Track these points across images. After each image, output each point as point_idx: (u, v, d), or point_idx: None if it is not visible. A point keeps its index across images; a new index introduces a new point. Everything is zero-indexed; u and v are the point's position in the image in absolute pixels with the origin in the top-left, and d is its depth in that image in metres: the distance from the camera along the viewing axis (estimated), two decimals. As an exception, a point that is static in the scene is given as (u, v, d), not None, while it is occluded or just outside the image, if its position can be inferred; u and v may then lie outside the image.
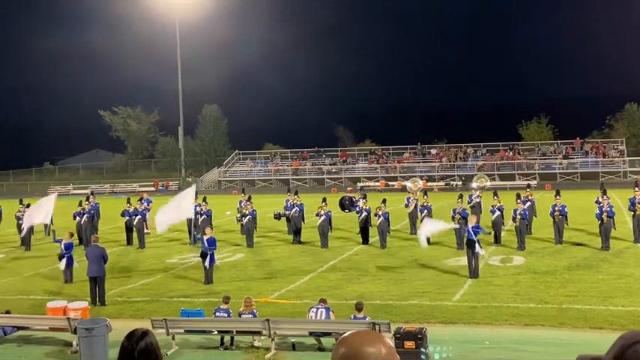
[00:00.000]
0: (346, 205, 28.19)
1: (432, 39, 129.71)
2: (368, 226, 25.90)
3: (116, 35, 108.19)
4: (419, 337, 11.95)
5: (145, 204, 29.68)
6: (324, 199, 26.50)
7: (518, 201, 24.50)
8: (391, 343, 1.96)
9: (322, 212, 25.34)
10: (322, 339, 13.11)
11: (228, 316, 13.70)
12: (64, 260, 19.89)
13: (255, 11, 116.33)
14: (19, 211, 28.94)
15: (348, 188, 56.26)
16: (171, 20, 71.92)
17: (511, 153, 63.97)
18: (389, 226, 25.34)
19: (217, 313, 13.79)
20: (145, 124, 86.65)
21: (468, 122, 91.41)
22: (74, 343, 13.28)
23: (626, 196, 26.62)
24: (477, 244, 18.72)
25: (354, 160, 69.29)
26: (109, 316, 14.32)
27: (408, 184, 34.57)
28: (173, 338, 13.49)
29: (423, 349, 11.92)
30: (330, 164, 68.14)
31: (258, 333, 13.30)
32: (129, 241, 27.84)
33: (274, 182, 66.33)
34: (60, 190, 67.46)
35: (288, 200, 28.63)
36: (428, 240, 21.77)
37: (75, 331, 12.76)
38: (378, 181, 61.40)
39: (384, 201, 25.76)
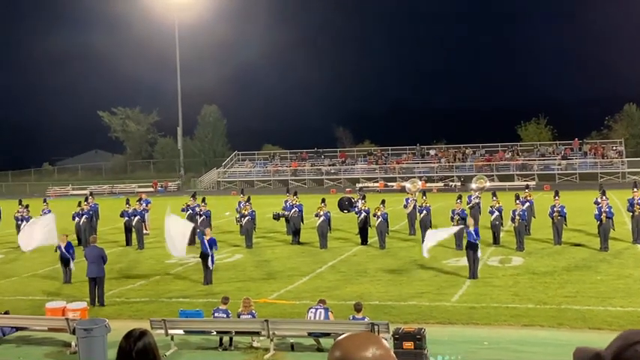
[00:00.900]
0: (345, 205, 28.17)
1: (431, 40, 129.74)
2: (367, 226, 25.90)
3: (115, 36, 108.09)
4: (418, 338, 11.95)
5: (144, 205, 29.66)
6: (323, 200, 26.49)
7: (517, 202, 24.50)
8: (387, 345, 1.96)
9: (321, 213, 25.34)
10: (321, 339, 13.11)
11: (227, 316, 13.70)
12: (71, 261, 19.93)
13: (254, 12, 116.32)
14: (18, 211, 28.92)
15: (347, 189, 56.26)
16: (171, 21, 71.91)
17: (510, 154, 64.01)
18: (388, 226, 25.33)
19: (216, 314, 13.79)
20: (143, 125, 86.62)
21: (466, 123, 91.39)
22: (73, 344, 13.27)
23: (625, 196, 26.64)
24: (478, 248, 18.73)
25: (353, 160, 69.29)
26: (108, 316, 14.32)
27: (407, 184, 34.59)
28: (172, 339, 13.49)
29: (424, 351, 11.93)
30: (329, 165, 68.15)
31: (257, 333, 13.30)
32: (128, 242, 27.82)
33: (273, 183, 66.32)
34: (59, 191, 67.54)
35: (287, 201, 28.62)
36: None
37: (74, 332, 12.76)
38: (377, 181, 61.40)
39: (383, 202, 25.75)
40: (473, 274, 18.70)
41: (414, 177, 44.12)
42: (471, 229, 19.32)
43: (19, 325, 14.75)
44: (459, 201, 24.71)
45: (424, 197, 26.91)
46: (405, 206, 28.35)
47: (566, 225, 24.63)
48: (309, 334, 13.28)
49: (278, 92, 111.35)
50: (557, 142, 67.21)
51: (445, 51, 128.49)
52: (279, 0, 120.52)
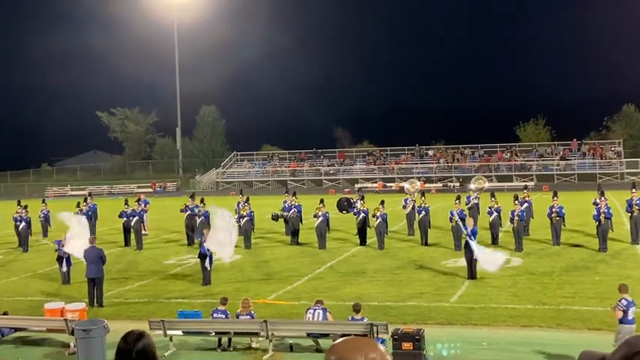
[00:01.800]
0: (344, 206, 28.15)
1: (430, 40, 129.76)
2: (366, 227, 25.90)
3: (114, 36, 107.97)
4: (417, 339, 11.96)
5: (143, 205, 29.63)
6: (322, 201, 26.48)
7: (516, 202, 24.50)
8: (383, 349, 1.96)
9: (320, 213, 25.34)
10: (320, 340, 13.11)
11: (226, 317, 13.69)
12: (63, 262, 19.89)
13: (253, 12, 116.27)
14: (17, 212, 28.88)
15: (346, 189, 56.25)
16: (170, 21, 71.96)
17: (508, 154, 64.03)
18: (387, 227, 25.33)
19: (215, 315, 13.78)
20: (142, 125, 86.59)
21: (465, 123, 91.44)
22: (72, 345, 13.26)
23: (624, 197, 26.66)
24: (471, 246, 18.69)
25: (351, 161, 69.30)
26: (107, 317, 14.31)
27: (406, 185, 34.54)
28: (171, 339, 13.48)
29: (423, 352, 11.94)
30: (328, 165, 68.16)
31: (256, 334, 13.30)
32: (126, 243, 27.80)
33: (272, 183, 66.32)
34: (58, 192, 67.52)
35: (285, 201, 28.60)
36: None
37: (72, 333, 12.74)
38: (375, 182, 61.39)
39: (382, 202, 25.75)
40: (471, 275, 18.70)
41: (413, 177, 44.07)
42: (470, 228, 19.28)
43: (18, 325, 14.74)
44: (457, 201, 24.71)
45: (423, 198, 26.91)
46: (404, 207, 28.35)
47: (564, 225, 24.63)
48: (308, 335, 13.28)
49: (277, 93, 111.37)
50: (556, 142, 67.27)
51: (444, 51, 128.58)
52: (279, 0, 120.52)
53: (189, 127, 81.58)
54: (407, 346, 11.92)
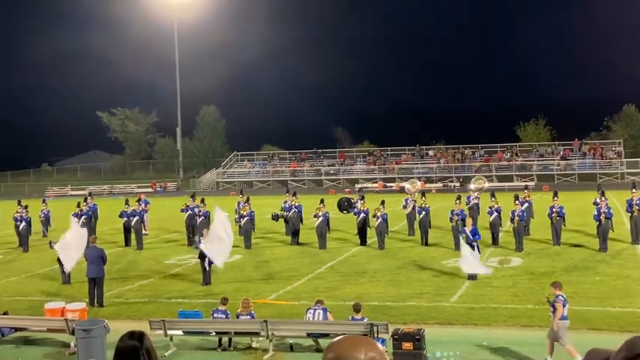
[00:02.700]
0: (344, 206, 28.16)
1: (430, 40, 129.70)
2: (366, 227, 25.91)
3: (114, 36, 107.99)
4: (417, 339, 11.96)
5: (143, 205, 29.64)
6: (322, 201, 26.48)
7: (516, 202, 24.50)
8: (382, 348, 1.97)
9: (320, 213, 25.33)
10: (320, 340, 13.11)
11: (226, 317, 13.70)
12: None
13: (253, 12, 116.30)
14: (17, 212, 28.88)
15: (346, 189, 56.25)
16: (170, 21, 71.96)
17: (509, 154, 64.03)
18: (387, 227, 25.34)
19: (215, 315, 13.79)
20: (143, 125, 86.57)
21: (466, 123, 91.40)
22: (72, 344, 13.26)
23: (624, 197, 26.66)
24: (476, 248, 18.70)
25: (352, 161, 69.28)
26: (107, 317, 14.33)
27: (406, 185, 34.58)
28: (171, 339, 13.49)
29: (423, 352, 11.94)
30: (328, 165, 68.14)
31: (256, 334, 13.31)
32: (127, 243, 27.81)
33: (272, 183, 66.30)
34: (58, 192, 67.52)
35: (286, 201, 28.60)
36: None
37: (73, 332, 12.75)
38: (376, 182, 61.37)
39: (382, 202, 25.75)
40: (471, 275, 18.68)
41: (413, 177, 44.09)
42: (468, 229, 19.31)
43: (18, 325, 14.75)
44: (458, 202, 24.72)
45: (423, 198, 26.91)
46: (405, 207, 28.35)
47: (565, 225, 24.64)
48: (308, 335, 13.28)
49: (277, 93, 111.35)
50: (556, 142, 67.24)
51: (444, 51, 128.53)
52: (279, 0, 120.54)
53: (189, 127, 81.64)
54: (407, 346, 11.93)
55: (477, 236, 19.50)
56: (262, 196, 48.80)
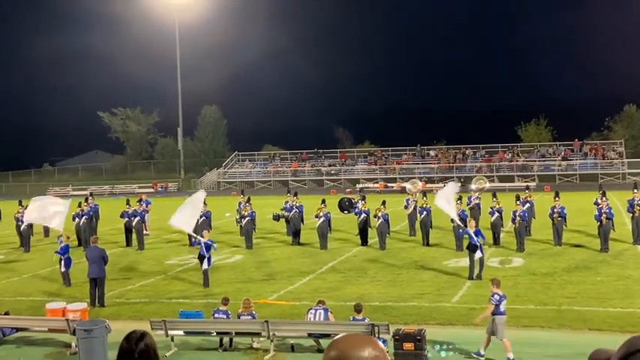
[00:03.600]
0: (345, 206, 28.17)
1: (431, 40, 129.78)
2: (367, 227, 25.90)
3: (115, 36, 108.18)
4: (418, 339, 11.96)
5: (144, 205, 29.65)
6: (323, 201, 26.49)
7: (518, 202, 24.50)
8: (383, 346, 1.96)
9: (321, 214, 25.33)
10: (321, 340, 13.11)
11: (227, 317, 13.70)
12: (62, 263, 19.89)
13: (254, 12, 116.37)
14: (19, 212, 28.91)
15: (347, 189, 56.26)
16: (171, 21, 72.04)
17: (510, 155, 64.01)
18: (388, 227, 25.33)
19: (216, 315, 13.79)
20: (144, 125, 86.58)
21: (467, 124, 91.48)
22: (73, 345, 13.27)
23: (625, 197, 26.65)
24: (479, 249, 18.70)
25: (353, 161, 69.29)
26: (108, 317, 14.33)
27: (408, 185, 34.58)
28: (172, 339, 13.49)
29: (424, 352, 11.95)
30: (330, 165, 68.14)
31: (257, 334, 13.30)
32: (128, 243, 27.82)
33: (273, 183, 66.33)
34: (59, 192, 67.50)
35: (287, 202, 28.61)
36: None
37: (74, 333, 12.75)
38: (377, 182, 61.39)
39: (383, 202, 25.75)
40: (471, 276, 18.70)
41: (414, 178, 44.09)
42: (471, 229, 19.28)
43: (20, 325, 14.75)
44: (459, 202, 24.70)
45: (424, 198, 26.92)
46: (406, 207, 28.34)
47: (566, 226, 24.63)
48: (309, 335, 13.28)
49: (278, 93, 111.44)
50: (557, 142, 67.22)
51: (445, 51, 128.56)
52: (279, 0, 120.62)
53: (190, 127, 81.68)
54: (408, 346, 11.93)
55: (479, 237, 19.47)
56: (263, 197, 48.81)
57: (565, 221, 24.35)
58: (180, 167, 76.21)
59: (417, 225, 26.72)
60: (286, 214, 27.99)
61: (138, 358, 3.08)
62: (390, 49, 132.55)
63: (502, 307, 12.32)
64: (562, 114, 77.21)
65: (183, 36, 74.30)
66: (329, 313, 13.26)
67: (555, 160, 62.05)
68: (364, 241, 25.72)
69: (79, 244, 26.57)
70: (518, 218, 23.28)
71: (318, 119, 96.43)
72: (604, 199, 23.51)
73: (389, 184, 58.81)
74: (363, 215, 25.78)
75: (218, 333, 13.66)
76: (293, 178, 66.01)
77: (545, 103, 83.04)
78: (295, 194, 29.17)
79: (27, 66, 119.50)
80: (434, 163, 64.69)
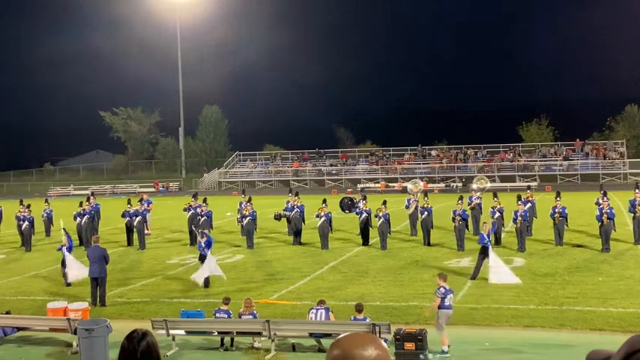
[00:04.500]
0: (346, 206, 28.16)
1: (433, 41, 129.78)
2: (368, 227, 25.89)
3: (117, 36, 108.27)
4: (419, 339, 11.97)
5: (146, 205, 29.65)
6: (325, 201, 26.48)
7: (519, 202, 24.48)
8: (385, 345, 1.97)
9: (322, 213, 25.32)
10: (322, 340, 13.11)
11: (229, 317, 13.71)
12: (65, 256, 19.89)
13: (256, 13, 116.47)
14: (20, 211, 28.92)
15: (349, 189, 56.26)
16: (173, 21, 72.12)
17: (511, 154, 63.99)
18: (389, 227, 25.32)
19: (217, 314, 13.80)
20: (145, 125, 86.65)
21: (468, 124, 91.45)
22: (74, 344, 13.28)
23: (627, 197, 26.63)
24: (489, 252, 18.57)
25: (354, 161, 69.30)
26: (109, 316, 14.33)
27: (409, 185, 34.51)
28: (173, 339, 13.49)
29: (425, 352, 11.95)
30: (331, 165, 68.15)
31: (259, 334, 13.31)
32: (129, 242, 27.82)
33: (275, 183, 66.35)
34: (60, 191, 67.59)
35: (288, 201, 28.61)
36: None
37: (75, 332, 12.76)
38: (378, 182, 61.40)
39: (384, 202, 25.74)
40: (474, 276, 18.65)
41: (416, 177, 44.06)
42: (485, 232, 19.06)
43: (21, 325, 14.76)
44: (460, 202, 24.70)
45: (426, 198, 26.90)
46: (407, 207, 28.31)
47: (567, 226, 24.61)
48: (311, 335, 13.28)
49: (279, 92, 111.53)
50: (559, 142, 67.23)
51: (446, 51, 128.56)
52: (281, 1, 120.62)
53: (191, 127, 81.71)
54: (409, 346, 11.93)
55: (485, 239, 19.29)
56: (264, 196, 48.83)
57: (566, 221, 24.33)
58: (182, 167, 76.23)
59: (418, 225, 26.71)
60: (287, 213, 27.99)
61: (140, 358, 3.08)
62: (391, 50, 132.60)
63: (447, 301, 12.65)
64: (563, 114, 77.23)
65: (185, 36, 74.43)
66: (330, 312, 13.26)
67: (557, 160, 62.04)
68: (365, 241, 25.71)
69: (81, 244, 26.57)
70: (519, 218, 23.25)
71: (320, 119, 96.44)
72: (605, 199, 23.50)
73: (390, 184, 58.82)
74: (364, 215, 25.77)
75: (219, 332, 13.67)
76: (294, 178, 66.02)
77: (546, 103, 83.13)
78: (296, 194, 29.16)
79: (28, 66, 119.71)
80: (435, 163, 64.68)
